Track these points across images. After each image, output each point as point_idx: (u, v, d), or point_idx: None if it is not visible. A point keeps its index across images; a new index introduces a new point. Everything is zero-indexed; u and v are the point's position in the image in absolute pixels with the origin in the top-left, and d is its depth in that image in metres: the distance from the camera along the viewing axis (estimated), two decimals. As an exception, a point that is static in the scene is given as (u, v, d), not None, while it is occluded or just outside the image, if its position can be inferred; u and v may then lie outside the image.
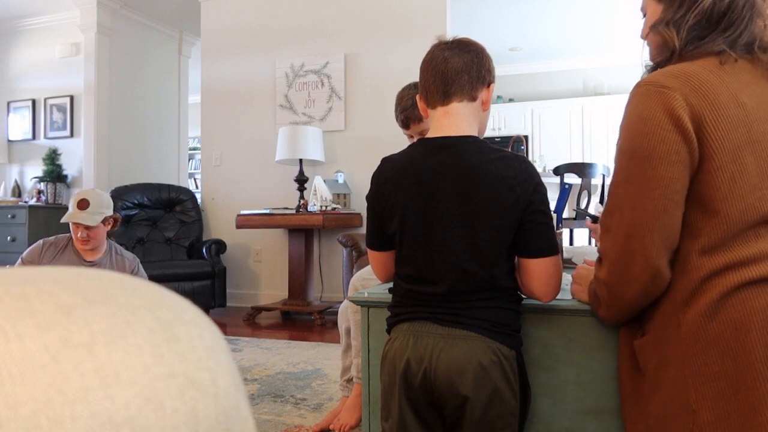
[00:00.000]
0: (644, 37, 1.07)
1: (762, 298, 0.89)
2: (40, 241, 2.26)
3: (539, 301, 1.17)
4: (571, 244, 3.49)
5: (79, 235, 2.18)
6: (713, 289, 0.92)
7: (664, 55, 1.01)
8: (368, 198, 1.22)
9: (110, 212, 2.24)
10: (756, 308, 0.89)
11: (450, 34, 1.21)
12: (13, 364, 0.18)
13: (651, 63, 1.06)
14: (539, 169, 4.92)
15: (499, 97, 7.27)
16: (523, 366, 1.16)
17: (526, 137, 6.76)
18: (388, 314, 1.21)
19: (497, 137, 6.83)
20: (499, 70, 7.27)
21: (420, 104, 1.22)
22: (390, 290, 1.25)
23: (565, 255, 1.93)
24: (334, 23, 4.54)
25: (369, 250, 1.28)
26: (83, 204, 2.17)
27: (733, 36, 0.93)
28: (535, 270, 1.12)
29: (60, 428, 0.18)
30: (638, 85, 0.97)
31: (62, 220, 2.20)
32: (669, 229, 0.94)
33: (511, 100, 7.20)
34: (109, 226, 2.26)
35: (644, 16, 1.08)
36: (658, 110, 0.92)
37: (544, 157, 6.42)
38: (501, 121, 7.02)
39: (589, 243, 4.18)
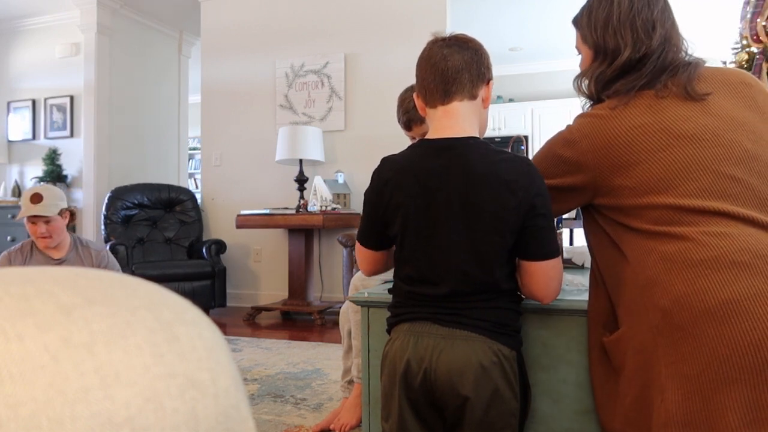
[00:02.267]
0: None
1: (726, 288, 0.91)
2: (5, 253, 2.21)
3: (540, 303, 1.18)
4: (571, 243, 3.49)
5: (38, 232, 2.13)
6: (673, 275, 0.96)
7: (589, 100, 1.19)
8: (367, 195, 1.21)
9: (65, 204, 2.21)
10: (721, 299, 0.90)
11: (448, 33, 1.20)
12: (13, 364, 0.18)
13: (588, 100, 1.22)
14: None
15: (499, 97, 7.27)
16: (523, 366, 1.16)
17: (526, 137, 6.75)
18: (388, 314, 1.21)
19: (497, 137, 6.82)
20: (499, 70, 7.27)
21: (418, 103, 1.21)
22: (390, 291, 1.24)
23: (565, 255, 1.93)
24: (334, 23, 4.54)
25: (358, 245, 1.27)
26: (36, 198, 2.13)
27: (633, 80, 1.08)
28: (536, 272, 1.12)
29: (60, 428, 0.18)
30: (569, 126, 1.15)
31: (18, 217, 2.14)
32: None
33: (511, 100, 7.20)
34: (66, 220, 2.22)
35: (579, 53, 1.22)
36: (565, 154, 1.15)
37: (544, 157, 6.41)
38: (501, 121, 7.01)
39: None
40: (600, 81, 1.12)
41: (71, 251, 2.26)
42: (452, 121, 1.14)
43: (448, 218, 1.09)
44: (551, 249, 1.11)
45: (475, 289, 1.09)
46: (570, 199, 1.17)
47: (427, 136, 1.17)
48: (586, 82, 1.15)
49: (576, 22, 1.21)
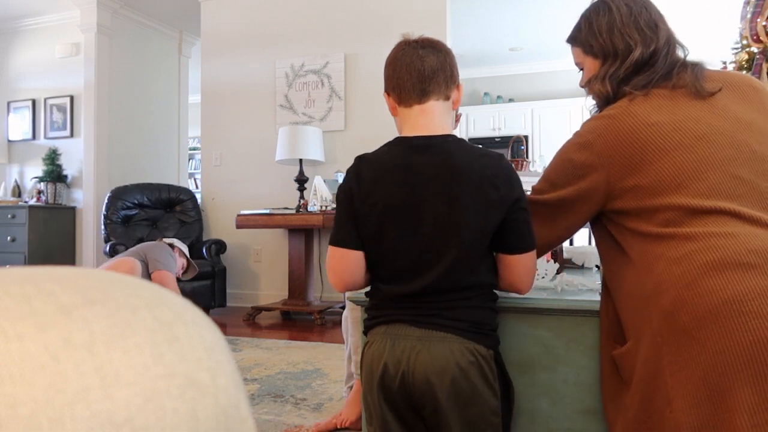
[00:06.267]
0: (583, 86, 1.25)
1: (730, 287, 0.90)
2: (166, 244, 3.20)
3: (518, 294, 1.20)
4: (571, 244, 3.49)
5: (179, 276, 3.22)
6: (677, 279, 0.95)
7: (602, 102, 1.18)
8: (342, 194, 1.16)
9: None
10: (725, 298, 0.89)
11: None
12: (13, 364, 0.18)
13: (595, 107, 1.23)
14: (539, 169, 4.92)
15: (499, 97, 7.27)
16: (502, 364, 1.16)
17: (526, 137, 6.76)
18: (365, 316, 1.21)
19: (497, 137, 6.83)
20: (499, 70, 7.28)
21: (389, 102, 1.21)
22: (367, 294, 1.24)
23: (565, 255, 1.93)
24: (334, 23, 4.54)
25: (336, 249, 1.17)
26: None
27: (649, 75, 1.11)
28: (517, 265, 1.14)
29: (60, 428, 0.18)
30: (577, 132, 1.15)
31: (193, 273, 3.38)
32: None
33: (511, 100, 7.20)
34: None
35: (580, 69, 1.25)
36: (579, 158, 1.13)
37: (544, 157, 6.41)
38: (501, 121, 7.02)
39: (589, 243, 4.17)
40: (614, 78, 1.14)
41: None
42: (428, 119, 1.16)
43: (430, 214, 1.09)
44: (530, 242, 1.14)
45: (456, 285, 1.09)
46: (585, 208, 1.14)
47: (403, 134, 1.18)
48: (600, 83, 1.17)
49: (573, 38, 1.24)
